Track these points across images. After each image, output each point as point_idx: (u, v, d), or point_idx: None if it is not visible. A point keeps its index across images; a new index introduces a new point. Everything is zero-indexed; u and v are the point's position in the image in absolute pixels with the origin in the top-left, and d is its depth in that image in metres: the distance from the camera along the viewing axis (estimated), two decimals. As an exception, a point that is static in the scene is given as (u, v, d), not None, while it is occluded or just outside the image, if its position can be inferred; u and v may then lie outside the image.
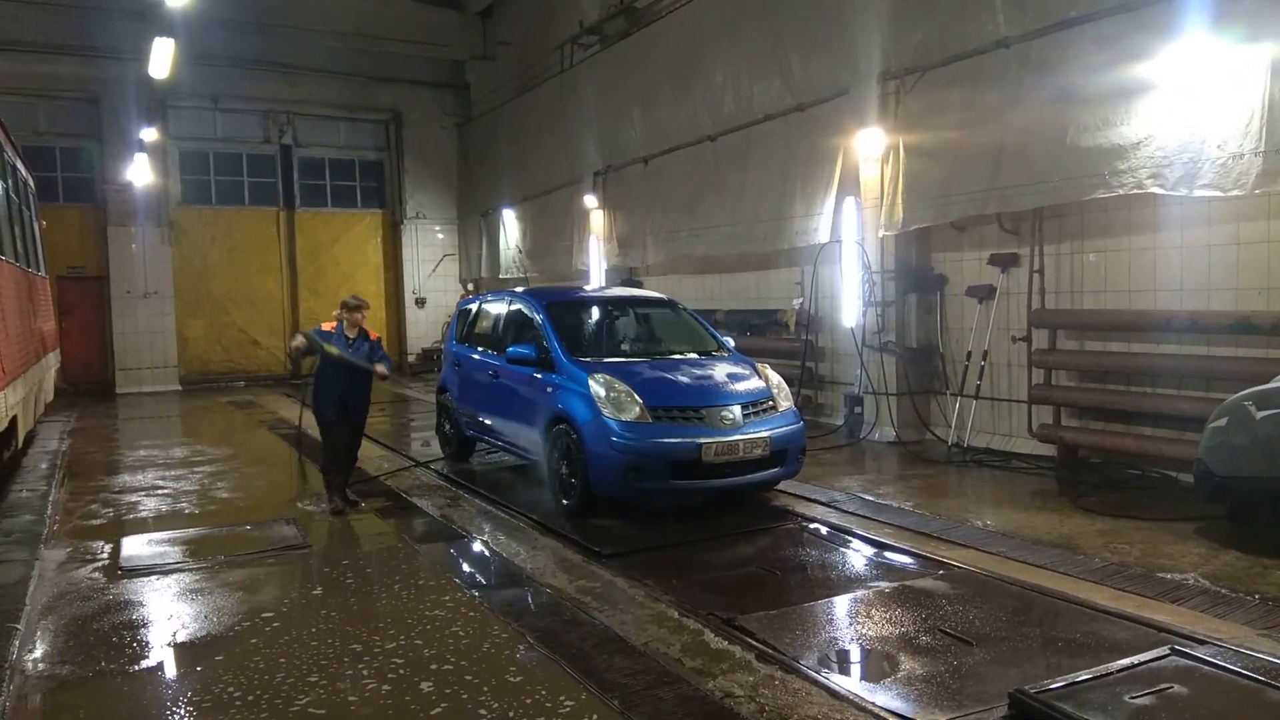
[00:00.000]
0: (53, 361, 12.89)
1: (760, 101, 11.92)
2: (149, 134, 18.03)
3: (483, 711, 3.89)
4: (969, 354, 9.65)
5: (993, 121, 8.70)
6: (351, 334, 7.62)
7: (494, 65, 20.61)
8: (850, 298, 10.59)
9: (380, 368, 7.67)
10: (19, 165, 10.53)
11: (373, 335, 7.81)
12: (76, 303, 18.31)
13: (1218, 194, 6.89)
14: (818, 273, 11.23)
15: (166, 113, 19.04)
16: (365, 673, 4.36)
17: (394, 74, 21.03)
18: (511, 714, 3.87)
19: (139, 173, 18.06)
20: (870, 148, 10.09)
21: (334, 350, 7.44)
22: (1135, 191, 7.44)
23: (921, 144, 9.57)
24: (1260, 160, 6.57)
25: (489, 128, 20.30)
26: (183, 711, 4.01)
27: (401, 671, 4.36)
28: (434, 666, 4.40)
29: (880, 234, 10.08)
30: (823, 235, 10.88)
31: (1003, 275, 9.29)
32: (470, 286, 21.35)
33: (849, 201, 10.46)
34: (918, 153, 9.61)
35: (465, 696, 4.06)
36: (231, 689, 4.19)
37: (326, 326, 7.68)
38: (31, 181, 12.02)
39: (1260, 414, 5.74)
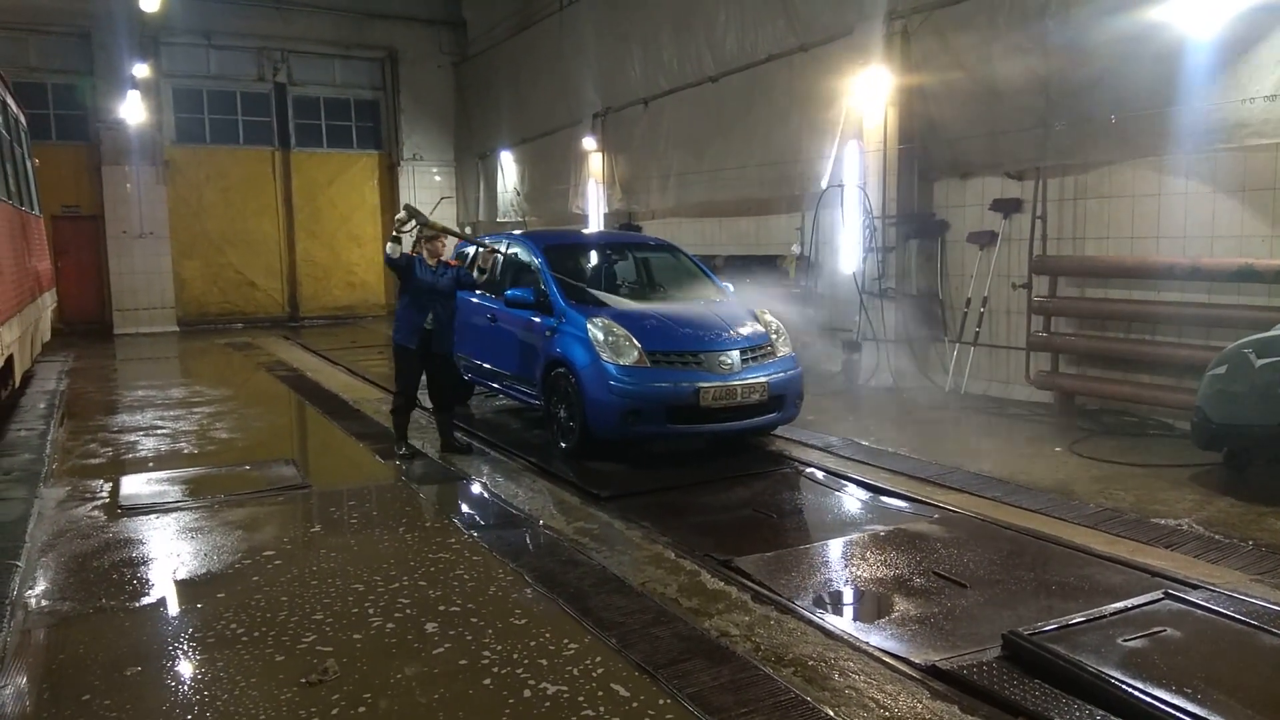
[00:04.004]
0: (49, 301, 12.83)
1: (763, 42, 11.72)
2: (141, 70, 17.76)
3: (486, 653, 3.93)
4: (969, 301, 9.62)
5: (1004, 67, 8.55)
6: (432, 264, 7.32)
7: (491, 1, 20.20)
8: (851, 243, 10.52)
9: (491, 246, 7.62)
10: (10, 101, 10.35)
11: (453, 264, 7.53)
12: (72, 243, 18.18)
13: (1263, 140, 6.80)
14: (819, 218, 11.13)
15: (159, 49, 18.72)
16: (371, 612, 4.40)
17: (389, 10, 20.66)
18: (515, 655, 3.90)
19: (132, 110, 17.80)
20: (874, 90, 9.94)
21: (439, 224, 7.28)
22: (1163, 154, 7.35)
23: (926, 87, 9.42)
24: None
25: (486, 67, 19.97)
26: (186, 647, 4.05)
27: (408, 611, 4.40)
28: (440, 608, 4.43)
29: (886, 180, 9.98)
30: (825, 180, 10.77)
31: (1005, 221, 9.22)
32: (468, 230, 21.17)
33: (851, 145, 10.34)
34: (923, 97, 9.46)
35: (470, 638, 4.09)
36: (235, 625, 4.23)
37: (411, 252, 7.35)
38: (23, 118, 11.84)
39: (1260, 362, 5.74)
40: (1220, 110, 6.92)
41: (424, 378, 7.56)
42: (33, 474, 6.83)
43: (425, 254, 7.32)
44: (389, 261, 7.28)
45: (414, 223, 7.17)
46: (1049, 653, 3.69)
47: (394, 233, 7.24)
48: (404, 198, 21.23)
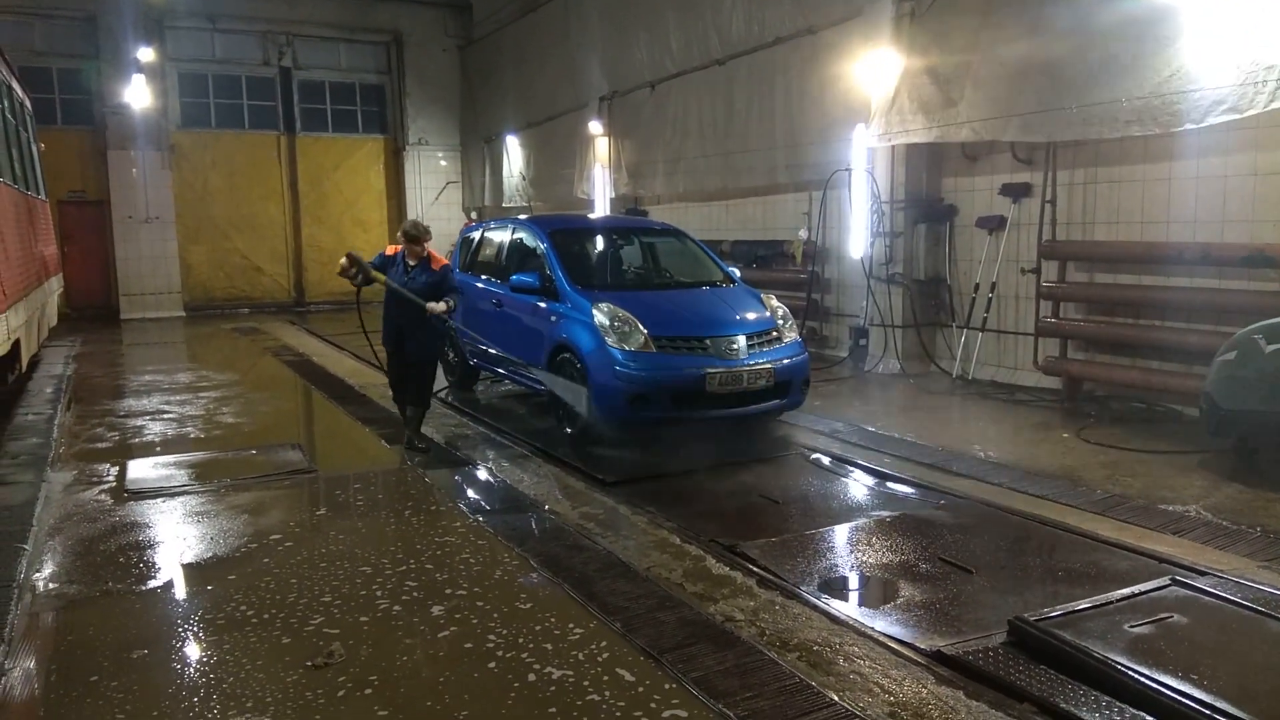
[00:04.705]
0: (55, 286, 12.83)
1: (771, 24, 11.64)
2: (146, 54, 17.71)
3: (491, 637, 3.94)
4: (977, 286, 9.58)
5: (1011, 47, 8.48)
6: (412, 262, 7.05)
7: (496, -15, 20.13)
8: (858, 228, 10.47)
9: (436, 305, 6.89)
10: (15, 86, 10.33)
11: (437, 263, 7.11)
12: (78, 228, 18.17)
13: (1234, 116, 6.71)
14: (826, 202, 11.08)
15: (164, 33, 18.67)
16: (379, 594, 4.41)
17: (394, -8, 20.59)
18: (520, 639, 3.91)
19: (137, 95, 17.75)
20: (883, 71, 9.85)
21: (380, 276, 6.95)
22: (1169, 130, 7.27)
23: (934, 67, 9.34)
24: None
25: (492, 50, 19.88)
26: (193, 629, 4.07)
27: (415, 594, 4.41)
28: (447, 591, 4.44)
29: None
30: (832, 164, 10.71)
31: (1014, 206, 9.16)
32: (473, 214, 21.16)
33: (859, 129, 10.26)
34: (928, 74, 9.38)
35: (475, 621, 4.11)
36: (244, 608, 4.25)
37: (390, 251, 7.15)
38: (29, 103, 11.82)
39: (1270, 347, 5.70)
40: (1229, 90, 6.83)
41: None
42: (40, 458, 6.85)
43: (406, 252, 7.08)
44: (342, 275, 7.00)
45: (356, 269, 6.92)
46: (1055, 638, 3.68)
47: (351, 279, 7.00)
48: (410, 182, 21.24)
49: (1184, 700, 3.22)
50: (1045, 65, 8.11)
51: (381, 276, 6.98)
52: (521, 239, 8.91)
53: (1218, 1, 6.77)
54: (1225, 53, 6.69)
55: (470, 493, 6.44)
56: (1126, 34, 7.44)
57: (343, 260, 6.94)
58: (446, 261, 7.34)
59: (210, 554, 5.01)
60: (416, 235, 7.09)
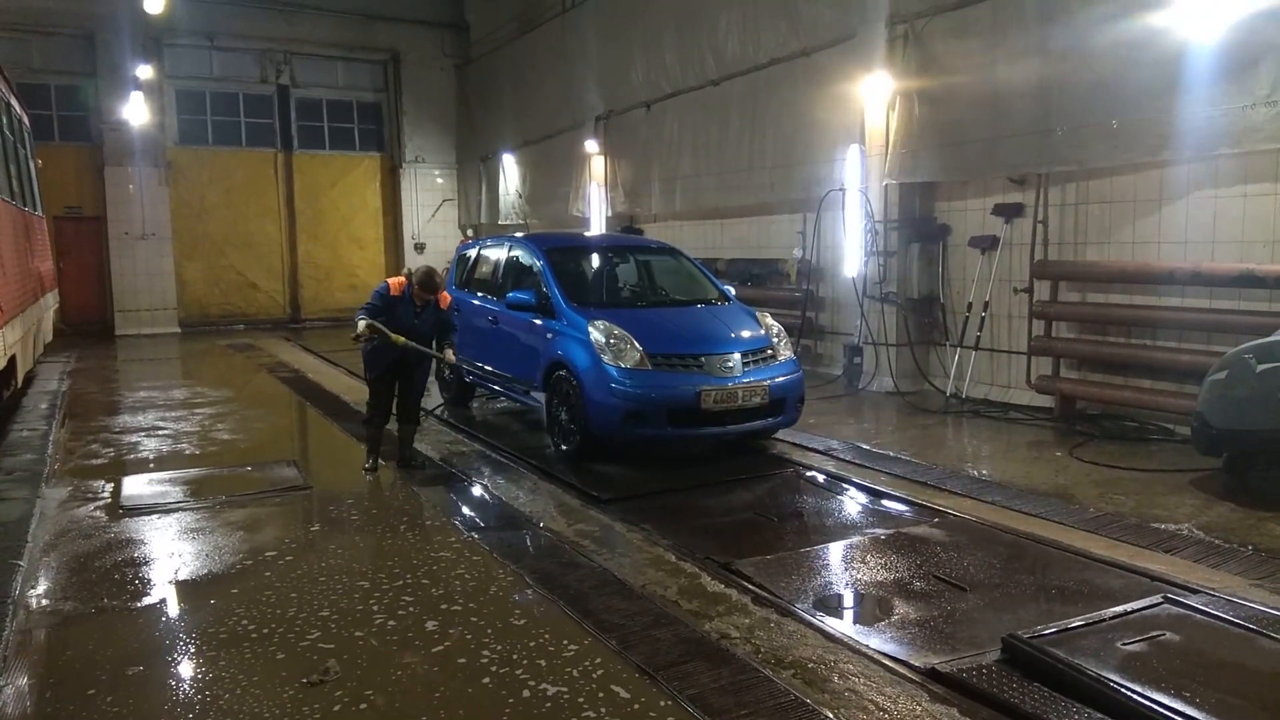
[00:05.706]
0: (51, 302, 12.84)
1: (766, 45, 11.75)
2: (145, 71, 17.80)
3: (486, 653, 3.95)
4: (970, 305, 9.63)
5: (1006, 71, 8.57)
6: (419, 304, 7.01)
7: (494, 4, 20.21)
8: (852, 247, 10.53)
9: (449, 354, 7.26)
10: (14, 102, 10.38)
11: (444, 302, 7.18)
12: (74, 243, 18.19)
13: (1249, 149, 6.78)
14: (820, 222, 11.14)
15: (162, 50, 18.76)
16: (375, 609, 4.42)
17: (392, 12, 20.68)
18: (515, 655, 3.92)
19: (135, 112, 17.83)
20: (877, 94, 9.96)
21: (400, 340, 6.84)
22: (1165, 159, 7.35)
23: (928, 91, 9.43)
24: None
25: (489, 70, 20.00)
26: (188, 646, 4.06)
27: (411, 610, 4.42)
28: (442, 607, 4.45)
29: (884, 182, 10.02)
30: (827, 184, 10.79)
31: (1006, 226, 9.23)
32: (470, 232, 21.22)
33: (853, 149, 10.35)
34: (924, 101, 9.48)
35: (470, 637, 4.11)
36: (245, 622, 4.26)
37: (394, 284, 7.00)
38: (27, 119, 11.87)
39: (1260, 367, 5.75)
40: (1226, 115, 6.92)
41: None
42: (35, 474, 6.85)
43: (413, 293, 6.98)
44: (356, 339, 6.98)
45: (374, 336, 6.88)
46: (1048, 656, 3.69)
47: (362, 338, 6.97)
48: (406, 199, 21.29)
49: (1176, 718, 3.24)
50: (1051, 87, 8.19)
51: (401, 340, 6.87)
52: (518, 257, 8.95)
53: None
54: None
55: (465, 509, 6.44)
56: (1138, 57, 7.51)
57: (363, 328, 6.82)
58: (450, 299, 7.38)
59: (205, 570, 5.00)
60: (434, 288, 7.02)
